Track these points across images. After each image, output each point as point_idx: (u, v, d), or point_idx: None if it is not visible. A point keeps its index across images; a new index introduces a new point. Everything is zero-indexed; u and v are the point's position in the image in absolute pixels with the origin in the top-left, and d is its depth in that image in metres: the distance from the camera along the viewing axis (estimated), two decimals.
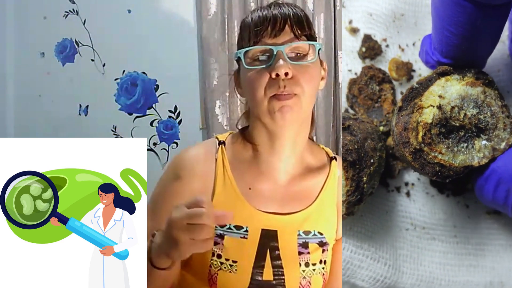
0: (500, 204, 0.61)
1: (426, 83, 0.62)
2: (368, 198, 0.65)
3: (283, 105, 0.67)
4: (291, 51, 0.69)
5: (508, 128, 0.60)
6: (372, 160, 0.63)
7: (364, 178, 0.63)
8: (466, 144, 0.61)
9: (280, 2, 0.73)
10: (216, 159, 0.75)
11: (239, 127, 0.81)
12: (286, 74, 0.66)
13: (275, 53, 0.67)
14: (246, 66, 0.69)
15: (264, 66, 0.68)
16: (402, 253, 0.67)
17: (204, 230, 0.57)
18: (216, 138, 0.79)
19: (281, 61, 0.67)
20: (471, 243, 0.67)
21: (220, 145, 0.76)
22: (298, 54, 0.69)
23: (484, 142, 0.60)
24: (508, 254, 0.66)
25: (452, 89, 0.61)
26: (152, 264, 0.63)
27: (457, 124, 0.60)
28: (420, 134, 0.60)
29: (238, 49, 0.74)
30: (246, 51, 0.69)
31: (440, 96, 0.61)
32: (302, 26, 0.70)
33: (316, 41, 0.72)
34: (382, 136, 0.67)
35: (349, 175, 0.62)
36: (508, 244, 0.67)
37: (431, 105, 0.61)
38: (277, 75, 0.66)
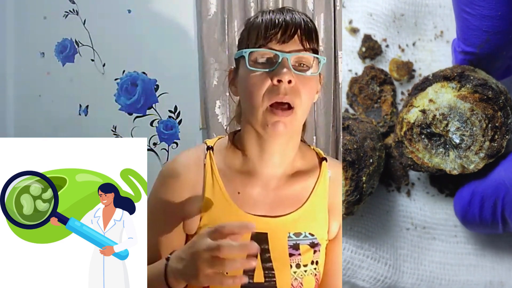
0: (489, 223, 0.60)
1: (432, 80, 0.62)
2: (368, 198, 0.65)
3: (278, 120, 0.67)
4: (295, 61, 0.68)
5: (482, 153, 0.60)
6: (371, 160, 0.63)
7: (364, 178, 0.63)
8: (444, 151, 0.61)
9: (292, 8, 0.72)
10: (204, 165, 0.75)
11: (230, 131, 0.80)
12: (290, 81, 0.66)
13: (280, 59, 0.67)
14: (249, 67, 0.68)
15: (267, 70, 0.67)
16: (402, 252, 0.67)
17: (226, 265, 0.57)
18: (205, 143, 0.78)
19: (285, 69, 0.66)
20: (471, 243, 0.67)
21: (208, 150, 0.76)
22: (302, 65, 0.69)
23: (454, 155, 0.61)
24: (508, 254, 0.66)
25: (444, 97, 0.61)
26: (167, 284, 0.64)
27: (437, 132, 0.61)
28: (403, 129, 0.63)
29: (239, 48, 0.73)
30: (251, 52, 0.69)
31: (430, 100, 0.61)
32: (311, 39, 0.69)
33: (319, 53, 0.72)
34: (381, 136, 0.67)
35: (348, 175, 0.62)
36: (508, 244, 0.67)
37: (419, 106, 0.62)
38: (279, 81, 0.66)
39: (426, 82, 0.63)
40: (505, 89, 0.61)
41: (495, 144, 0.59)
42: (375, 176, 0.64)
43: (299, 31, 0.68)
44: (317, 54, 0.71)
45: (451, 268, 0.67)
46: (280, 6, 1.59)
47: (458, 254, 0.67)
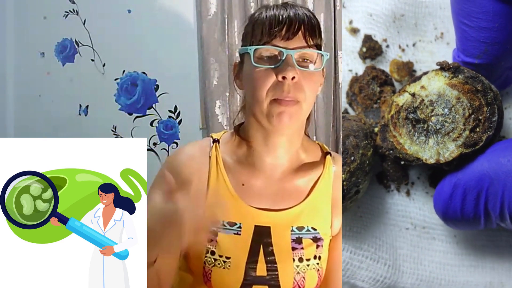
0: (471, 218, 0.59)
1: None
2: (356, 197, 0.65)
3: (283, 111, 0.68)
4: (299, 56, 0.69)
5: (459, 141, 0.60)
6: (352, 158, 0.63)
7: (343, 176, 0.63)
8: (424, 139, 0.62)
9: (295, 3, 0.73)
10: (210, 157, 0.76)
11: (236, 123, 0.81)
12: (293, 78, 0.67)
13: (284, 56, 0.68)
14: (254, 64, 0.69)
15: (272, 66, 0.68)
16: (402, 252, 0.67)
17: None
18: (211, 136, 0.79)
19: (289, 65, 0.67)
20: (471, 243, 0.67)
21: (214, 143, 0.77)
22: (305, 60, 0.70)
23: (433, 142, 0.61)
24: (508, 254, 0.67)
25: (435, 84, 0.62)
26: None
27: (422, 117, 0.62)
28: (391, 112, 0.64)
29: (244, 43, 0.74)
30: (256, 49, 0.69)
31: (422, 87, 0.62)
32: (314, 34, 0.70)
33: (322, 48, 0.73)
34: (372, 135, 0.67)
35: None
36: (508, 244, 0.67)
37: (410, 91, 0.63)
38: (284, 77, 0.67)
39: (424, 75, 0.64)
40: (496, 91, 0.61)
41: (474, 135, 0.60)
42: (359, 174, 0.64)
43: (302, 27, 0.69)
44: (321, 49, 0.72)
45: (451, 268, 0.67)
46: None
47: (458, 255, 0.67)
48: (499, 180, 0.57)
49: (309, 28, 0.70)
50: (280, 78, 0.67)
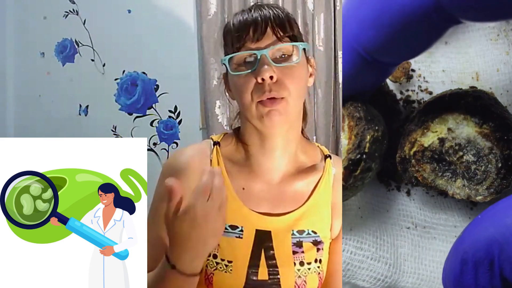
0: None
1: (449, 101, 0.61)
2: (366, 174, 0.63)
3: (270, 109, 0.68)
4: (275, 53, 0.69)
5: (492, 189, 0.60)
6: (377, 127, 0.61)
7: (368, 137, 0.61)
8: (450, 175, 0.62)
9: (261, 4, 0.73)
10: (211, 160, 0.75)
11: (233, 128, 0.82)
12: (271, 77, 0.67)
13: (259, 57, 0.68)
14: (232, 72, 0.70)
15: (249, 70, 0.68)
16: (402, 252, 0.67)
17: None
18: (211, 139, 0.79)
19: (265, 65, 0.67)
20: None
21: (215, 146, 0.77)
22: (283, 56, 0.69)
23: (462, 184, 0.61)
24: None
25: (465, 129, 0.61)
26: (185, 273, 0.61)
27: (449, 160, 0.61)
28: (413, 150, 0.62)
29: (224, 52, 0.75)
30: (230, 57, 0.70)
31: (449, 129, 0.61)
32: (284, 28, 0.70)
33: (300, 40, 0.72)
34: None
35: (354, 133, 0.61)
36: None
37: (437, 132, 0.61)
38: (263, 79, 0.67)
39: (443, 103, 0.62)
40: None
41: (505, 182, 0.60)
42: (379, 147, 0.61)
43: (269, 24, 0.69)
44: (296, 40, 0.72)
45: None
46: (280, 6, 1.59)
47: None
48: (509, 243, 0.50)
49: (276, 23, 0.69)
50: (259, 80, 0.67)
